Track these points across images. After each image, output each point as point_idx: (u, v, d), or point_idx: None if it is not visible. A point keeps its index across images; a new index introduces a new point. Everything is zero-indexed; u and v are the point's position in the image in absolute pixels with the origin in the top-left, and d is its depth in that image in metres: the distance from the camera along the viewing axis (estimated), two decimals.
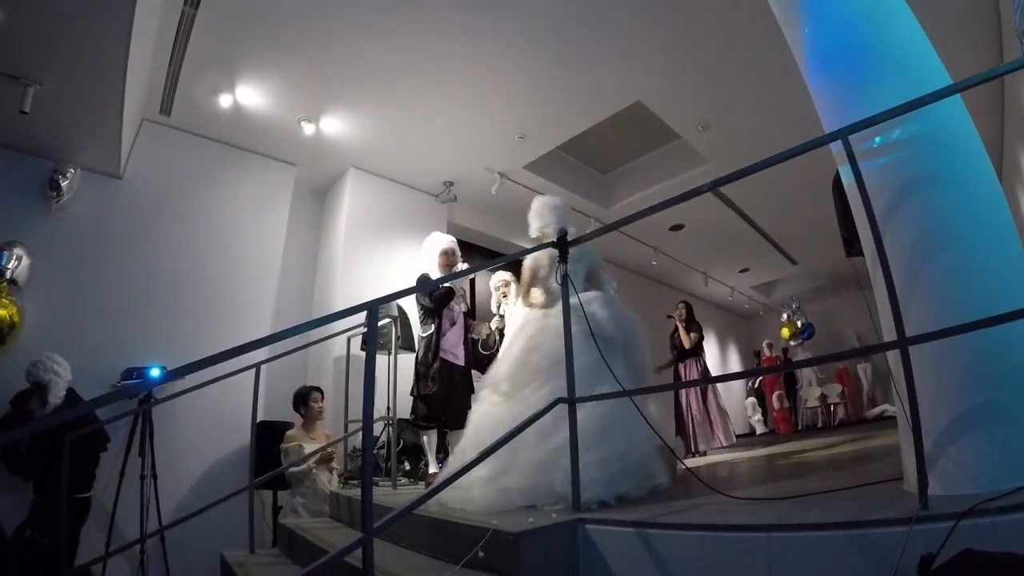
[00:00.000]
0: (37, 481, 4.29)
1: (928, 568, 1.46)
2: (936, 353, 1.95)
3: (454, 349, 4.96)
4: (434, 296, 4.93)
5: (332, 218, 7.76)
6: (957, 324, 1.82)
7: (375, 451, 5.75)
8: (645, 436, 3.19)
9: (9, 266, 4.82)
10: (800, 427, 12.79)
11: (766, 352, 13.35)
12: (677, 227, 10.29)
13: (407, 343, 6.19)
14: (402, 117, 6.64)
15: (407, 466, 5.57)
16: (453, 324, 5.04)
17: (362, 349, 5.76)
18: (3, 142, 5.18)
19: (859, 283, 3.04)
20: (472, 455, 2.84)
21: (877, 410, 12.08)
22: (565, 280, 3.09)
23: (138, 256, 5.77)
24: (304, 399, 5.50)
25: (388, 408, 5.07)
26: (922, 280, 2.10)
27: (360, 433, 5.87)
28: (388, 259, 7.50)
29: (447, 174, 7.92)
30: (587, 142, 7.78)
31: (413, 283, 4.96)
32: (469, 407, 4.90)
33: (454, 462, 3.72)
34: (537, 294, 4.11)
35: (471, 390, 5.00)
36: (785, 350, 13.69)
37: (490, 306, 5.86)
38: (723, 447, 7.50)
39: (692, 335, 7.91)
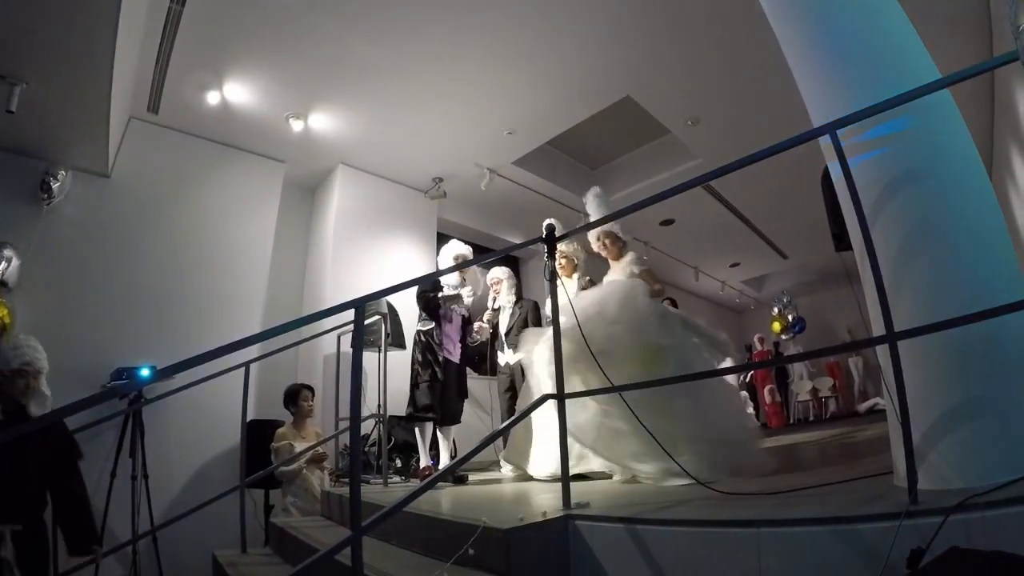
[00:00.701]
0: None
1: (918, 562, 1.46)
2: (924, 348, 1.95)
3: (449, 346, 4.96)
4: (420, 298, 4.96)
5: (321, 215, 7.74)
6: (945, 319, 1.81)
7: (366, 449, 5.74)
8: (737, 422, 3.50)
9: None
10: (791, 421, 12.86)
11: (757, 346, 13.41)
12: (668, 222, 10.30)
13: (397, 340, 6.18)
14: (391, 113, 6.62)
15: (398, 463, 5.56)
16: (450, 323, 5.04)
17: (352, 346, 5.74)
18: None
19: (849, 278, 3.05)
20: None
21: (868, 404, 12.14)
22: (553, 276, 3.08)
23: (127, 256, 5.74)
24: (294, 397, 5.48)
25: (379, 405, 5.04)
26: (910, 275, 2.09)
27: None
28: (378, 256, 7.49)
29: (436, 170, 7.91)
30: (577, 137, 7.78)
31: (405, 280, 4.92)
32: (460, 406, 4.95)
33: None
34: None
35: (463, 389, 5.07)
36: (776, 344, 13.74)
37: (486, 302, 5.87)
38: None
39: None
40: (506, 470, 4.61)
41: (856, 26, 2.47)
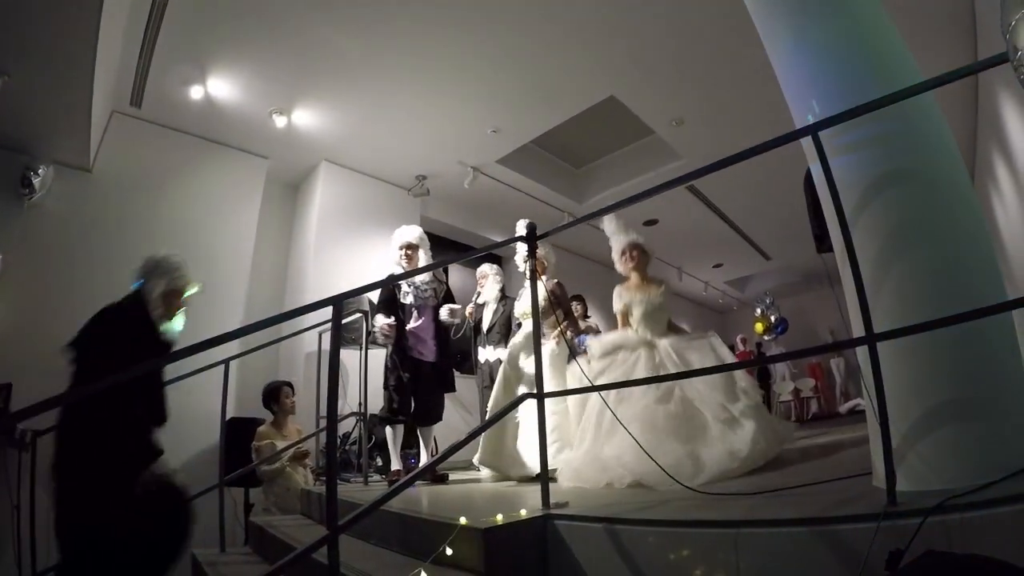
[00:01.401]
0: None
1: (897, 564, 1.45)
2: (904, 349, 1.96)
3: (419, 346, 4.82)
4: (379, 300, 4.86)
5: (304, 212, 7.68)
6: (925, 321, 1.82)
7: (347, 447, 5.70)
8: None
9: None
10: None
11: (740, 347, 13.46)
12: (651, 222, 10.32)
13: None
14: (375, 110, 6.59)
15: (379, 462, 5.53)
16: (420, 319, 4.88)
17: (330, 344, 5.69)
18: None
19: (830, 279, 3.05)
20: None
21: (850, 404, 12.23)
22: (533, 275, 3.08)
23: (108, 250, 5.63)
24: (275, 395, 5.42)
25: (360, 403, 5.01)
26: (890, 277, 2.10)
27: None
28: (360, 253, 7.44)
29: (420, 168, 7.88)
30: (561, 137, 7.78)
31: (383, 278, 4.83)
32: (440, 403, 4.86)
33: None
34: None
35: (444, 385, 4.95)
36: (759, 344, 13.81)
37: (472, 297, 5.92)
38: None
39: None
40: (484, 472, 4.57)
41: (840, 28, 2.47)
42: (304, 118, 6.60)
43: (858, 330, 2.04)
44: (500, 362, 5.46)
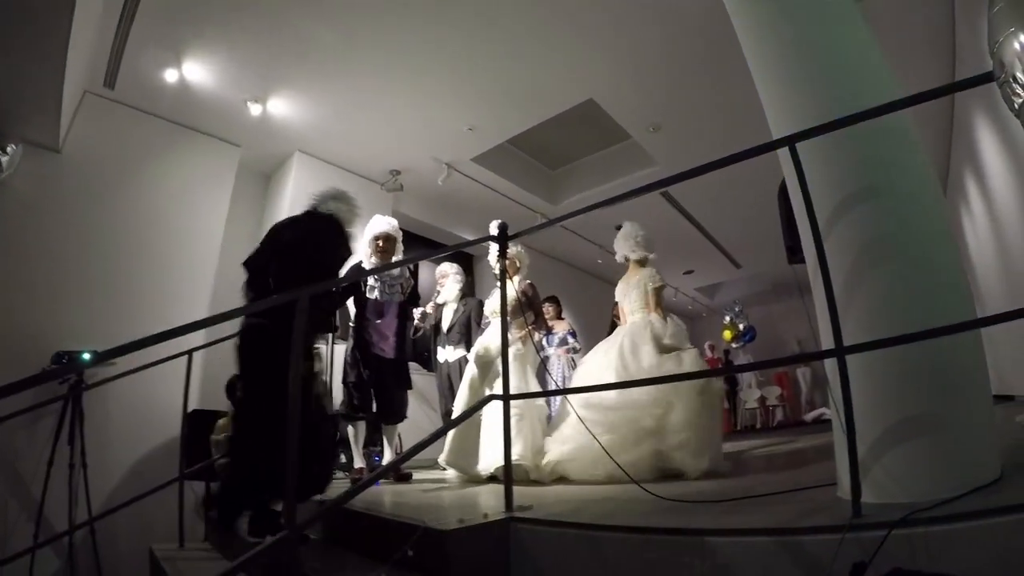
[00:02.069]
0: None
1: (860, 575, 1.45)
2: (872, 362, 1.97)
3: (381, 342, 4.72)
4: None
5: (275, 203, 7.55)
6: (894, 335, 1.83)
7: None
8: None
9: None
10: (738, 428, 13.05)
11: (708, 353, 13.58)
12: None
13: (345, 333, 6.06)
14: (351, 102, 6.50)
15: (343, 459, 5.45)
16: (382, 316, 4.79)
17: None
18: None
19: (800, 290, 3.07)
20: None
21: (815, 413, 12.42)
22: (503, 275, 3.06)
23: (74, 235, 5.49)
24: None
25: None
26: (861, 290, 2.11)
27: None
28: None
29: (394, 162, 7.80)
30: (537, 137, 7.77)
31: (351, 273, 4.74)
32: (404, 400, 4.81)
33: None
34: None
35: (403, 382, 4.86)
36: (727, 352, 13.94)
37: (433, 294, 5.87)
38: None
39: None
40: (450, 473, 4.53)
41: (823, 41, 2.48)
42: (279, 107, 6.49)
43: (827, 342, 2.04)
44: (460, 363, 5.50)
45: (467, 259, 10.31)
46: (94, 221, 5.65)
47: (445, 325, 5.74)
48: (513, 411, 3.81)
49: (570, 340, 7.16)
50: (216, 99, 6.21)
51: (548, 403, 5.35)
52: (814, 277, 2.28)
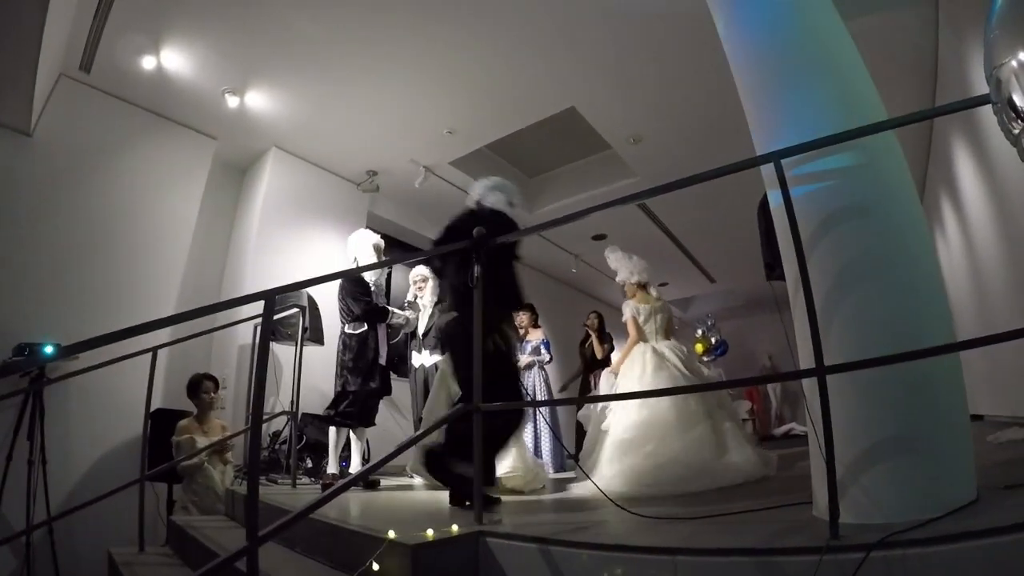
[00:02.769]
0: None
1: None
2: (852, 382, 1.96)
3: (381, 349, 4.88)
4: (367, 311, 4.88)
5: (249, 198, 7.42)
6: (875, 356, 1.82)
7: (276, 446, 5.50)
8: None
9: None
10: None
11: None
12: (600, 236, 10.35)
13: (316, 335, 5.97)
14: (331, 99, 6.41)
15: (309, 463, 5.35)
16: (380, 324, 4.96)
17: (273, 340, 5.51)
18: None
19: (778, 306, 3.06)
20: None
21: (784, 428, 12.52)
22: (479, 282, 3.00)
23: (41, 222, 5.30)
24: (195, 388, 5.17)
25: (292, 402, 4.83)
26: (843, 310, 2.09)
27: (267, 425, 5.63)
28: (303, 245, 7.23)
29: (371, 163, 7.71)
30: (517, 143, 7.72)
31: (330, 272, 4.74)
32: (377, 405, 4.83)
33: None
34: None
35: (385, 388, 4.95)
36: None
37: (405, 297, 5.82)
38: None
39: (604, 346, 7.92)
40: (417, 480, 4.48)
41: (811, 59, 2.47)
42: (257, 100, 6.37)
43: (806, 360, 2.02)
44: (436, 368, 5.46)
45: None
46: (62, 209, 5.47)
47: (421, 329, 5.69)
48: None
49: (543, 351, 7.09)
50: (193, 88, 6.07)
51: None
52: (795, 295, 2.27)
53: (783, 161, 2.10)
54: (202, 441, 4.86)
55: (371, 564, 2.11)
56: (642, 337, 4.95)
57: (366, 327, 4.81)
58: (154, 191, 6.24)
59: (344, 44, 5.56)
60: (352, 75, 6.00)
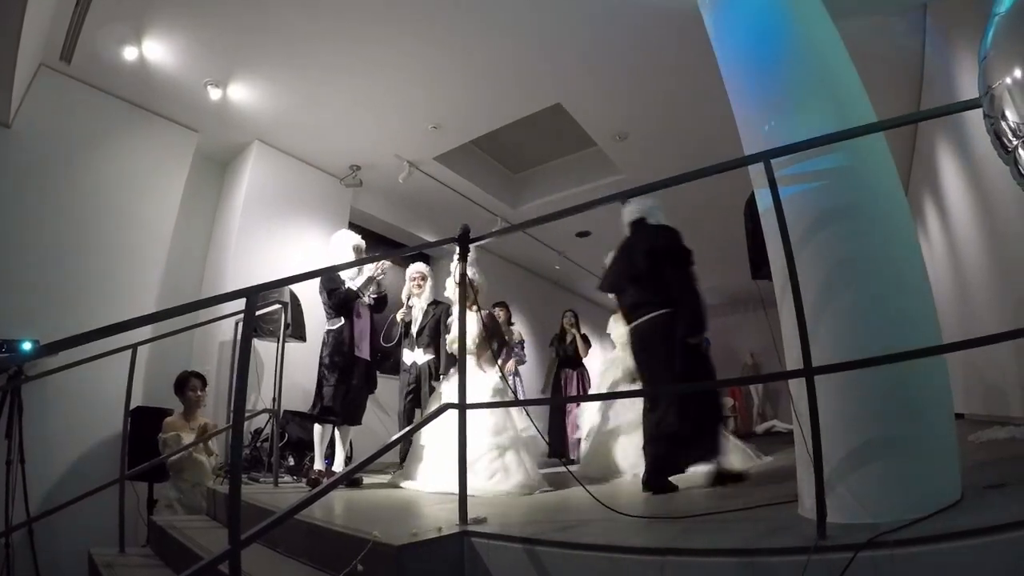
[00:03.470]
0: None
1: None
2: (840, 383, 1.96)
3: (360, 343, 4.75)
4: (333, 295, 4.73)
5: (231, 192, 7.32)
6: (862, 357, 1.83)
7: (258, 444, 5.45)
8: None
9: None
10: None
11: None
12: (584, 234, 10.34)
13: (298, 332, 5.92)
14: (313, 92, 6.32)
15: (291, 461, 5.30)
16: (359, 318, 4.81)
17: (255, 336, 5.44)
18: None
19: (763, 304, 3.06)
20: None
21: (766, 425, 12.60)
22: (463, 280, 2.99)
23: (17, 215, 5.17)
24: (182, 386, 5.12)
25: (273, 399, 4.78)
26: (831, 310, 2.10)
27: (249, 423, 5.56)
28: (286, 241, 7.15)
29: (355, 157, 7.63)
30: (502, 139, 7.70)
31: (312, 268, 4.69)
32: (364, 403, 4.76)
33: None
34: None
35: (371, 384, 4.92)
36: None
37: (400, 296, 5.83)
38: None
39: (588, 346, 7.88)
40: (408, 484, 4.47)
41: (801, 61, 2.47)
42: (240, 93, 6.27)
43: (793, 360, 2.02)
44: (429, 365, 5.56)
45: (424, 260, 10.18)
46: (41, 201, 5.35)
47: (415, 327, 5.66)
48: (502, 440, 4.21)
49: (516, 351, 7.06)
50: (175, 80, 5.95)
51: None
52: (782, 295, 2.27)
53: (772, 161, 2.10)
54: (189, 438, 4.80)
55: (355, 566, 2.08)
56: None
57: (343, 321, 4.73)
58: (135, 184, 6.12)
59: (329, 37, 5.48)
60: (336, 68, 5.93)
